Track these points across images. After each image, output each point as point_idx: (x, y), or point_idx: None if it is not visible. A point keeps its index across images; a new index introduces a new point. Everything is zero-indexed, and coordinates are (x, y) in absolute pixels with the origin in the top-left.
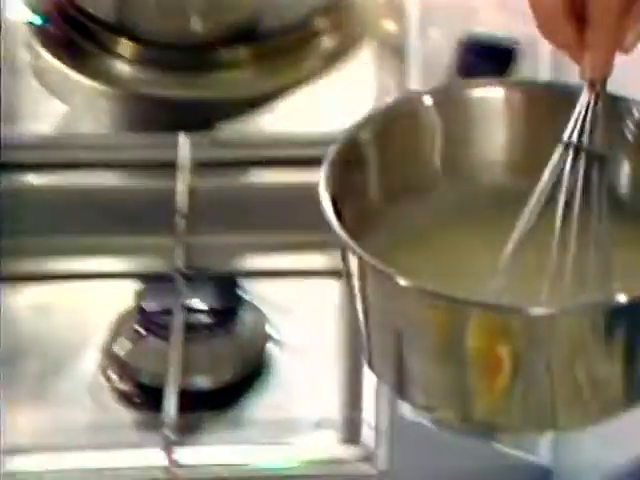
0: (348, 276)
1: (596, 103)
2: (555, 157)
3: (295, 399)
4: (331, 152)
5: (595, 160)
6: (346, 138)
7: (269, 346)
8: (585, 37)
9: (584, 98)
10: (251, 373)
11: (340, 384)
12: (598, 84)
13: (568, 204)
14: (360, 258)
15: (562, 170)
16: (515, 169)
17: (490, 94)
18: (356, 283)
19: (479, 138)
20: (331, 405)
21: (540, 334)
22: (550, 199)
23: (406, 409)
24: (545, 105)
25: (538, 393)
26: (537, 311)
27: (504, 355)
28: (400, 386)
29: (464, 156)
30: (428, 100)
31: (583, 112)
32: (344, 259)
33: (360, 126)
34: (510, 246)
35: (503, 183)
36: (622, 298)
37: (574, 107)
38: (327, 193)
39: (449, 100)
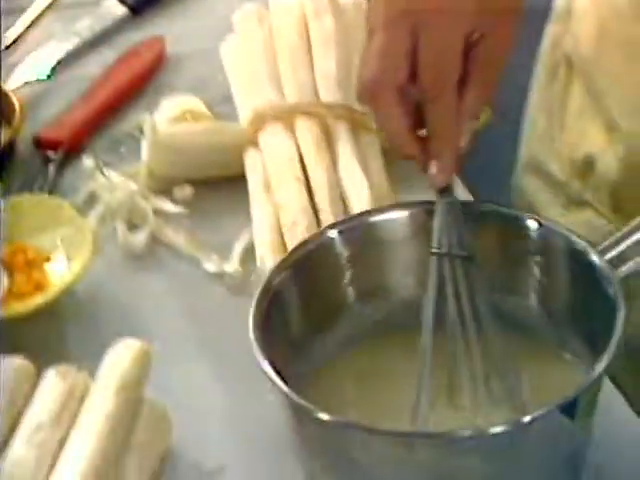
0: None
1: (448, 211)
2: (432, 267)
3: None
4: (254, 300)
5: (465, 262)
6: (265, 285)
7: None
8: (429, 148)
9: (439, 207)
10: None
11: None
12: (447, 190)
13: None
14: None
15: (439, 278)
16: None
17: (393, 217)
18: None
19: (386, 259)
20: None
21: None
22: (437, 309)
23: None
24: None
25: None
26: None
27: None
28: None
29: (374, 278)
30: (333, 233)
31: (442, 221)
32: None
33: (276, 269)
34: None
35: (413, 299)
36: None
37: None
38: (257, 340)
39: (354, 228)
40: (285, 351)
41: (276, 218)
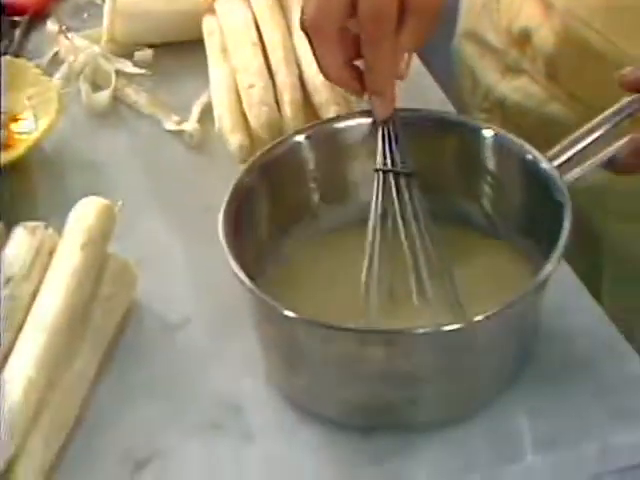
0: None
1: (389, 130)
2: (374, 182)
3: None
4: (224, 201)
5: (405, 178)
6: (235, 185)
7: None
8: (368, 83)
9: (379, 132)
10: None
11: None
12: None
13: (394, 221)
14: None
15: (381, 192)
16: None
17: (358, 123)
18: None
19: (349, 164)
20: None
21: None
22: (381, 219)
23: None
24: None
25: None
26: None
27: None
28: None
29: (337, 182)
30: (300, 138)
31: (385, 139)
32: None
33: (246, 172)
34: (364, 270)
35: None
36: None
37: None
38: (225, 237)
39: (319, 134)
40: (252, 250)
41: (233, 80)
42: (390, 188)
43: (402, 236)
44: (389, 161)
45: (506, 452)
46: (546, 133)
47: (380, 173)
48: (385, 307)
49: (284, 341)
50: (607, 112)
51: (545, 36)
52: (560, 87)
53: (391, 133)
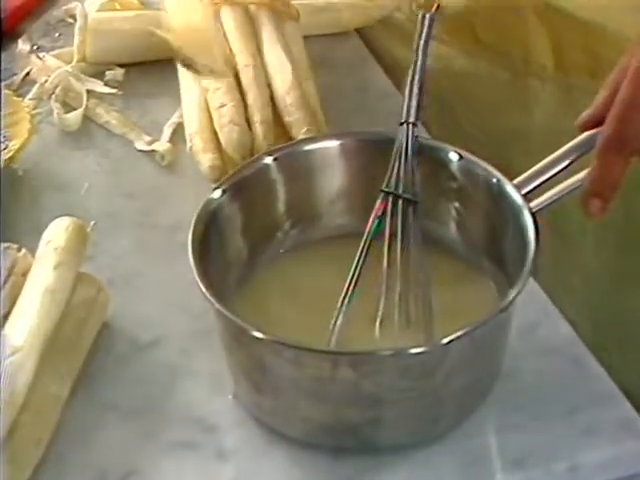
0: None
1: (407, 150)
2: (377, 203)
3: None
4: (193, 221)
5: (409, 204)
6: (204, 205)
7: None
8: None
9: (398, 144)
10: None
11: None
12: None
13: (390, 245)
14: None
15: (383, 215)
16: (353, 212)
17: (325, 146)
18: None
19: (317, 186)
20: None
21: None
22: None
23: None
24: (374, 152)
25: None
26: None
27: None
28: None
29: (305, 204)
30: (268, 159)
31: (397, 161)
32: None
33: (215, 192)
34: (344, 289)
35: (344, 225)
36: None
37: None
38: (194, 257)
39: (288, 156)
40: (221, 269)
41: (204, 99)
42: (396, 213)
43: (388, 260)
44: (401, 186)
45: (476, 472)
46: (465, 97)
47: (388, 195)
48: (355, 328)
49: (251, 361)
50: (567, 146)
51: None
52: (477, 44)
53: (408, 158)
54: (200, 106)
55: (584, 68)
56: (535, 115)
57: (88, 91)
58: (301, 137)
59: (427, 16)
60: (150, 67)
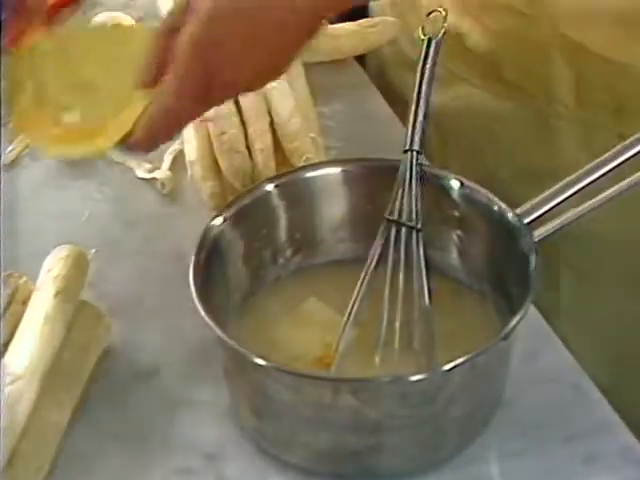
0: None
1: (410, 178)
2: (380, 231)
3: None
4: (194, 249)
5: (412, 232)
6: (205, 233)
7: None
8: None
9: (402, 171)
10: None
11: None
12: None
13: (393, 273)
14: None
15: (386, 242)
16: (355, 238)
17: (327, 172)
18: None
19: (320, 213)
20: None
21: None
22: (378, 269)
23: None
24: (376, 179)
25: None
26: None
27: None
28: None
29: (306, 231)
30: (270, 187)
31: (402, 189)
32: None
33: (216, 219)
34: (346, 316)
35: (346, 252)
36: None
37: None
38: (195, 285)
39: (289, 183)
40: (222, 296)
41: (205, 127)
42: (400, 240)
43: (390, 287)
44: (405, 214)
45: None
46: (490, 136)
47: (391, 223)
48: (356, 355)
49: (252, 387)
50: (572, 176)
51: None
52: (502, 83)
53: (412, 186)
54: (201, 134)
55: (606, 106)
56: (558, 153)
57: None
58: (302, 164)
59: (434, 41)
60: None
